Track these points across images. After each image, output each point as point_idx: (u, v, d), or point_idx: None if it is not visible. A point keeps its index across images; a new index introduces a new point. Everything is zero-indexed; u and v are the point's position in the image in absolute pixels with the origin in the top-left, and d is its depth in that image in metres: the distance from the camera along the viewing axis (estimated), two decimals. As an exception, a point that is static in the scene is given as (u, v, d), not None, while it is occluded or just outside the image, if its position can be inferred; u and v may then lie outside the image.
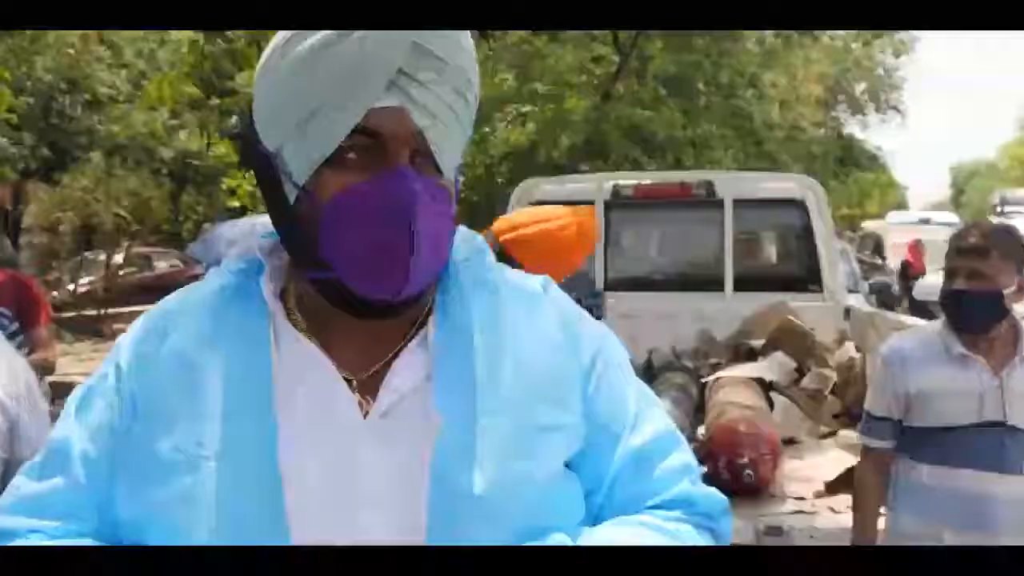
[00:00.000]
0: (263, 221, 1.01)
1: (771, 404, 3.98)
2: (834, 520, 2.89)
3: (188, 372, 0.95)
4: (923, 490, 2.34)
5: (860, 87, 27.52)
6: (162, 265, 17.50)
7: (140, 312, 1.06)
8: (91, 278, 16.30)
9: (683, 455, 1.05)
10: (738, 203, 5.08)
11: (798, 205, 5.11)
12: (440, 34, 0.92)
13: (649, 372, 4.50)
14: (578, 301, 1.11)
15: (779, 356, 4.36)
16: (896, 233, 15.68)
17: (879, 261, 13.66)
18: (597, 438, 0.99)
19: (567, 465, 0.97)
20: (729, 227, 5.04)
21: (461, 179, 1.05)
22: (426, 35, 0.90)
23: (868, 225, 18.64)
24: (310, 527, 0.89)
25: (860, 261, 10.51)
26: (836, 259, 5.19)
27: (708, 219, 5.18)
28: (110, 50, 15.84)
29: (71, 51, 15.40)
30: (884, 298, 6.45)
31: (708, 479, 1.08)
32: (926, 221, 17.31)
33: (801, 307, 4.78)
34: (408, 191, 0.90)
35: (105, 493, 0.94)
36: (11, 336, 3.14)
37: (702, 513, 1.01)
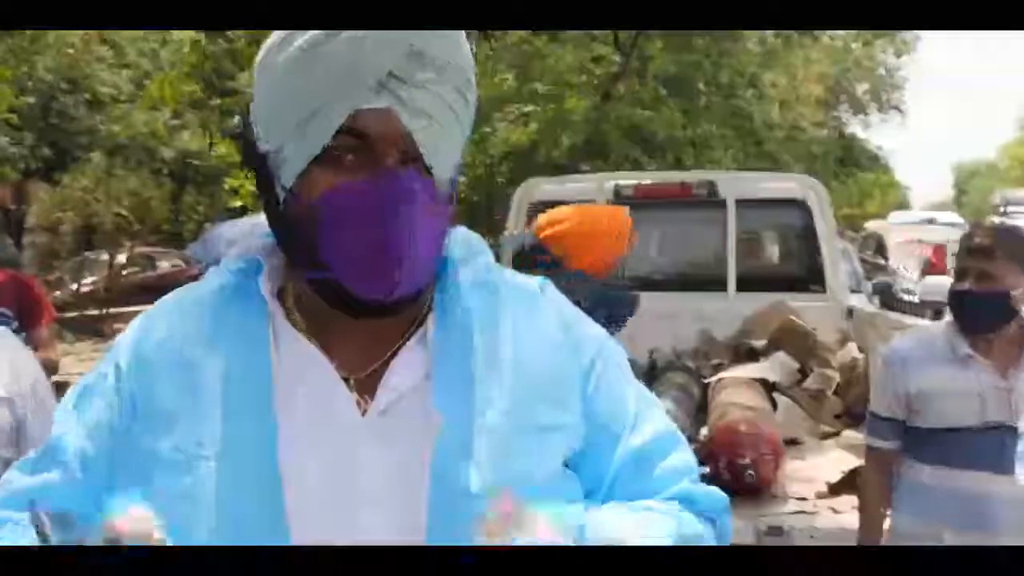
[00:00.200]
0: (263, 221, 1.01)
1: (773, 404, 3.98)
2: (835, 521, 2.88)
3: (187, 372, 0.95)
4: (924, 490, 2.34)
5: (861, 87, 27.50)
6: (164, 265, 17.50)
7: (141, 312, 1.06)
8: (93, 278, 16.30)
9: (683, 455, 1.05)
10: (740, 203, 5.07)
11: (800, 205, 5.11)
12: (433, 36, 0.91)
13: (651, 372, 4.49)
14: (577, 303, 1.11)
15: (781, 356, 4.35)
16: (898, 233, 15.65)
17: (881, 261, 13.64)
18: (597, 438, 0.99)
19: (566, 465, 0.97)
20: (732, 227, 5.03)
21: (462, 178, 1.05)
22: (418, 37, 0.90)
23: (870, 225, 18.61)
24: (310, 527, 0.90)
25: (862, 261, 10.50)
26: (838, 259, 5.18)
27: (709, 219, 5.17)
28: (112, 50, 15.86)
29: (71, 51, 15.42)
30: (886, 298, 6.43)
31: (710, 479, 1.09)
32: (931, 221, 17.24)
33: (803, 307, 4.77)
34: (395, 192, 0.90)
35: (102, 491, 0.93)
36: (12, 336, 3.14)
37: (702, 510, 1.02)
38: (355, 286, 0.92)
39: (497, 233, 6.52)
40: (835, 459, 3.43)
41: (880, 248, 14.45)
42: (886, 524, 2.47)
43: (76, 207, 19.43)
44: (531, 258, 2.22)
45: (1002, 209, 15.69)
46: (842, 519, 2.84)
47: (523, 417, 0.95)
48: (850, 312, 4.91)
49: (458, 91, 0.94)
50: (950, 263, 12.54)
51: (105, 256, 16.96)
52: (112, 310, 13.76)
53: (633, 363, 1.12)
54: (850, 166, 25.79)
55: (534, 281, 1.08)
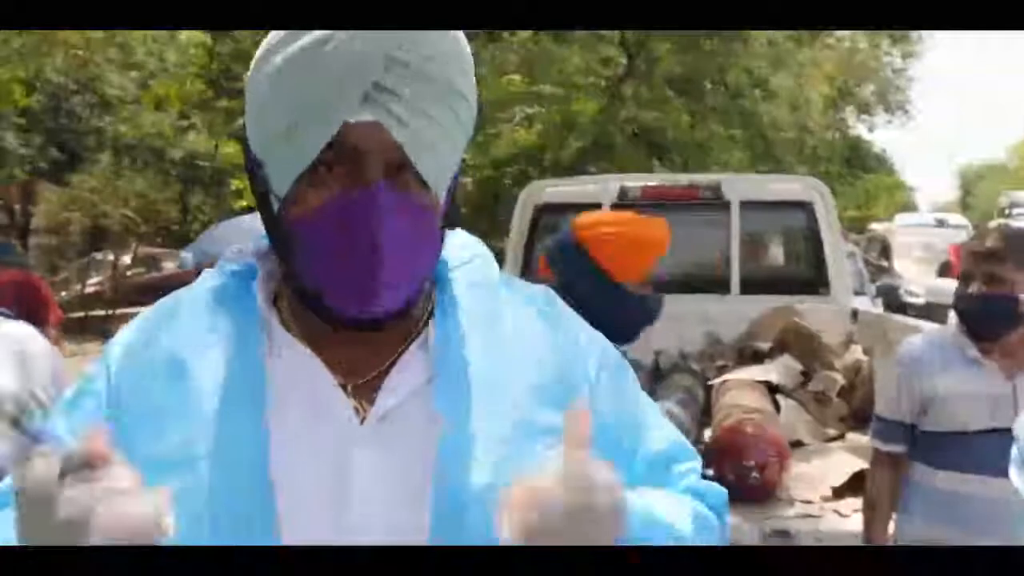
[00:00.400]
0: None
1: (777, 407, 3.97)
2: (841, 524, 2.87)
3: (180, 374, 0.94)
4: (935, 494, 2.32)
5: (868, 88, 27.43)
6: (170, 266, 17.52)
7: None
8: (99, 279, 16.33)
9: (687, 456, 1.06)
10: (745, 205, 5.07)
11: (805, 207, 5.10)
12: (421, 43, 0.89)
13: (656, 374, 4.48)
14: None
15: (786, 359, 4.34)
16: (904, 235, 15.62)
17: (885, 263, 13.60)
18: (598, 441, 0.99)
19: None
20: (736, 229, 5.03)
21: (468, 179, 1.05)
22: (403, 43, 0.88)
23: (875, 228, 18.55)
24: (301, 534, 0.88)
25: (866, 263, 10.48)
26: (843, 261, 5.17)
27: (715, 221, 5.16)
28: (120, 50, 15.89)
29: (80, 52, 15.47)
30: (891, 301, 6.43)
31: (714, 482, 1.09)
32: (941, 223, 17.16)
33: (808, 309, 4.76)
34: (378, 209, 0.88)
35: None
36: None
37: (711, 505, 1.03)
38: (335, 305, 0.91)
39: (501, 236, 6.51)
40: (840, 462, 3.42)
41: (884, 251, 14.42)
42: (891, 528, 2.46)
43: (83, 208, 19.47)
44: (569, 259, 2.20)
45: (1007, 211, 15.63)
46: (848, 523, 2.83)
47: (525, 419, 0.94)
48: (855, 315, 4.90)
49: (443, 101, 0.91)
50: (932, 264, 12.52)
51: (111, 257, 17.01)
52: (118, 311, 13.78)
53: (638, 365, 1.13)
54: (856, 167, 25.74)
55: (535, 286, 1.08)
